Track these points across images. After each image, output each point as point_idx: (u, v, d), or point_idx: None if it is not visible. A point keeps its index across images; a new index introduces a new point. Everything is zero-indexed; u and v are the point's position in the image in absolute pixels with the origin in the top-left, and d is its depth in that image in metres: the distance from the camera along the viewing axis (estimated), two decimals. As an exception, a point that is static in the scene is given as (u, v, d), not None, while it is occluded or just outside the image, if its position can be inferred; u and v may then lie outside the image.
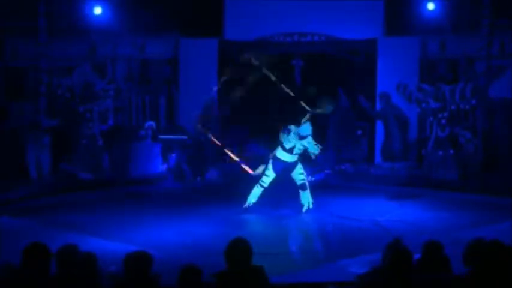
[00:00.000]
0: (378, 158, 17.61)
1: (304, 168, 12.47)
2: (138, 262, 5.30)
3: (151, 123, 17.30)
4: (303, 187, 12.21)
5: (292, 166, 12.18)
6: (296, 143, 11.91)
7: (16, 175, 14.95)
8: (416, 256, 5.78)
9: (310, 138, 12.01)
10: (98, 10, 16.81)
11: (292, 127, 11.90)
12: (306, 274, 8.20)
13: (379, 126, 17.49)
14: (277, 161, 12.10)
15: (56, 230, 10.42)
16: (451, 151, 15.94)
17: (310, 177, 15.58)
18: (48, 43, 16.39)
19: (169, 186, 15.67)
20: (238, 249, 5.44)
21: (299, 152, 12.04)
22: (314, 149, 12.10)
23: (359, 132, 17.78)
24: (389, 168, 16.58)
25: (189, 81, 18.07)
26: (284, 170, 12.16)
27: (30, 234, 9.26)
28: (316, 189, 14.66)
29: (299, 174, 12.21)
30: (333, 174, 16.45)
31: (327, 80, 17.66)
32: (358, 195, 14.13)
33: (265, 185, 12.15)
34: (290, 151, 11.97)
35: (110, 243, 9.37)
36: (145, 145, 16.91)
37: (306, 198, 12.18)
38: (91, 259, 5.55)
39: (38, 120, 15.95)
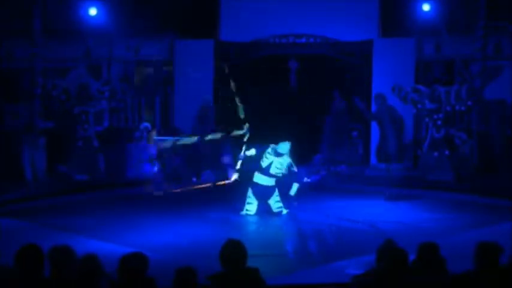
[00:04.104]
0: (373, 160, 17.62)
1: (300, 169, 12.44)
2: (134, 264, 5.29)
3: (147, 124, 17.29)
4: (277, 214, 12.02)
5: (270, 191, 12.00)
6: (273, 160, 11.84)
7: (11, 177, 14.91)
8: (412, 257, 5.77)
9: (286, 157, 11.94)
10: (93, 11, 16.77)
11: (271, 145, 11.91)
12: (302, 276, 8.19)
13: (375, 128, 17.49)
14: (255, 186, 12.00)
15: (51, 231, 10.41)
16: (447, 152, 15.97)
17: (306, 178, 15.61)
18: (43, 45, 16.36)
19: (164, 187, 15.65)
20: (232, 251, 5.43)
21: (276, 172, 11.89)
22: (287, 168, 11.98)
23: (354, 133, 17.79)
24: (385, 170, 16.59)
25: (185, 83, 18.07)
26: (262, 195, 12.00)
27: (25, 236, 9.23)
28: (312, 190, 14.71)
29: (276, 202, 12.01)
30: (329, 176, 16.45)
31: (323, 82, 17.70)
32: (354, 197, 14.13)
33: (252, 213, 12.03)
34: (267, 171, 11.87)
35: (105, 245, 9.34)
36: (141, 146, 16.90)
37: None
38: (94, 260, 5.53)
39: (34, 122, 15.91)
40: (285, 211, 12.01)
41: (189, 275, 5.37)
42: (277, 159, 11.86)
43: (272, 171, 11.88)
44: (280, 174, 11.97)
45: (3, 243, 8.26)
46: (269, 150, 11.89)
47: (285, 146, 11.87)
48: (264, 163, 11.88)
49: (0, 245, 8.05)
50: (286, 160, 11.93)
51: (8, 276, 5.26)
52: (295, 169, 12.11)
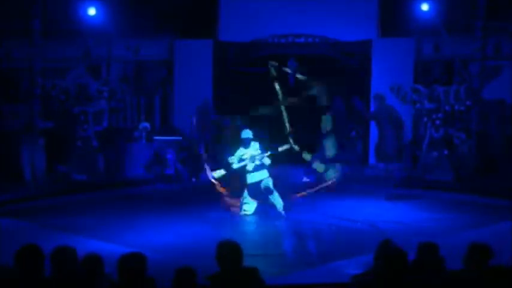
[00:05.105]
0: (372, 159, 17.62)
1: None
2: (132, 263, 5.29)
3: (146, 124, 17.29)
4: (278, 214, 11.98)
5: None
6: (247, 152, 11.86)
7: (10, 177, 14.91)
8: (411, 257, 5.78)
9: (254, 143, 11.94)
10: (92, 11, 16.77)
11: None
12: (302, 275, 8.19)
13: (374, 128, 17.50)
14: (250, 187, 11.99)
15: (51, 231, 10.40)
16: (446, 152, 15.97)
17: (304, 178, 15.64)
18: (42, 45, 16.35)
19: (163, 187, 15.67)
20: (226, 251, 5.43)
21: (258, 162, 11.85)
22: (264, 160, 11.93)
23: (353, 133, 17.79)
24: (384, 169, 16.59)
25: (184, 83, 18.08)
26: (260, 192, 11.94)
27: (25, 236, 9.24)
28: (311, 190, 14.69)
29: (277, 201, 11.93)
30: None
31: (321, 82, 17.68)
32: (353, 196, 14.13)
33: (250, 213, 12.03)
34: (255, 167, 11.84)
35: (104, 245, 9.33)
36: (140, 146, 16.90)
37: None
38: (97, 260, 5.55)
39: (33, 122, 15.91)
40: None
41: (188, 275, 5.37)
42: (250, 150, 11.87)
43: (257, 161, 11.84)
44: (265, 162, 11.93)
45: (3, 243, 8.26)
46: (240, 149, 11.96)
47: (245, 132, 11.96)
48: (250, 166, 11.87)
49: (0, 245, 8.06)
50: (255, 146, 11.93)
51: (8, 276, 5.27)
52: (266, 161, 11.98)
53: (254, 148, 11.94)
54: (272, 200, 11.92)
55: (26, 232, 10.34)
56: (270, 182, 11.91)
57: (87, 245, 8.90)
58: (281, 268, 8.57)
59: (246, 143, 11.96)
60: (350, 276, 5.81)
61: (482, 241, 5.69)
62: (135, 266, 5.27)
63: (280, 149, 12.32)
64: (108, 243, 9.48)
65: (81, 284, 5.32)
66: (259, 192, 11.94)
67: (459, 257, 5.80)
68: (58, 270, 5.37)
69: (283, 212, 11.88)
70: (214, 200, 13.23)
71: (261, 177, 11.92)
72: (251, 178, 11.96)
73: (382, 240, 5.85)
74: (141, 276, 5.28)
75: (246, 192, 12.02)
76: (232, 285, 5.35)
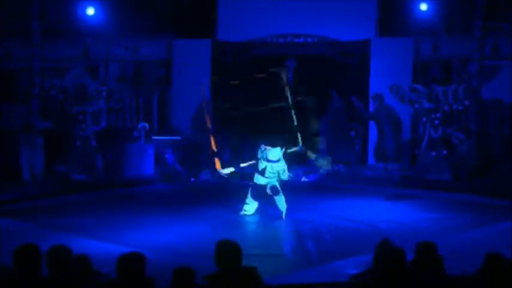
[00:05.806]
0: (371, 159, 17.62)
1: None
2: (131, 263, 5.28)
3: (145, 124, 17.29)
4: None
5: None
6: (267, 165, 11.67)
7: (9, 177, 14.91)
8: (410, 257, 5.78)
9: (280, 163, 11.72)
10: (91, 11, 16.78)
11: (264, 147, 11.75)
12: (301, 275, 8.20)
13: (373, 127, 17.51)
14: (255, 187, 11.91)
15: (49, 231, 10.39)
16: (444, 152, 16.00)
17: (304, 178, 15.65)
18: (41, 44, 16.36)
19: (163, 187, 15.66)
20: (225, 250, 5.42)
21: (271, 176, 11.70)
22: (284, 176, 11.82)
23: (352, 133, 17.81)
24: (383, 169, 16.61)
25: (183, 82, 18.07)
26: (263, 194, 11.86)
27: (24, 236, 9.23)
28: (310, 190, 14.72)
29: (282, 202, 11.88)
30: (327, 175, 16.46)
31: (320, 81, 17.71)
32: (352, 196, 14.14)
33: (250, 213, 12.00)
34: (263, 173, 11.75)
35: (103, 245, 9.34)
36: (139, 146, 16.90)
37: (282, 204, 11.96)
38: (85, 260, 5.56)
39: (31, 121, 15.91)
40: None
41: (187, 275, 5.37)
42: (270, 165, 11.67)
43: (267, 175, 11.75)
44: (276, 179, 11.85)
45: (2, 243, 8.26)
46: (261, 154, 11.78)
47: (275, 153, 11.63)
48: (260, 166, 11.81)
49: (0, 245, 8.07)
50: (279, 166, 11.72)
51: (7, 276, 5.27)
52: (286, 177, 11.89)
53: (280, 164, 11.76)
54: (276, 202, 11.87)
55: (25, 232, 10.33)
56: (277, 184, 11.86)
57: (86, 245, 8.89)
58: (280, 268, 8.58)
59: (273, 162, 11.69)
60: (349, 275, 5.82)
61: (484, 242, 5.69)
62: (135, 266, 5.27)
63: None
64: (108, 243, 9.48)
65: (71, 284, 5.33)
66: (262, 195, 11.91)
67: (458, 256, 5.82)
68: (55, 270, 5.37)
69: (284, 215, 11.85)
70: (213, 200, 13.24)
71: (269, 181, 11.88)
72: (258, 179, 11.90)
73: (381, 239, 5.86)
74: (141, 276, 5.28)
75: (249, 192, 11.97)
76: (231, 285, 5.35)
